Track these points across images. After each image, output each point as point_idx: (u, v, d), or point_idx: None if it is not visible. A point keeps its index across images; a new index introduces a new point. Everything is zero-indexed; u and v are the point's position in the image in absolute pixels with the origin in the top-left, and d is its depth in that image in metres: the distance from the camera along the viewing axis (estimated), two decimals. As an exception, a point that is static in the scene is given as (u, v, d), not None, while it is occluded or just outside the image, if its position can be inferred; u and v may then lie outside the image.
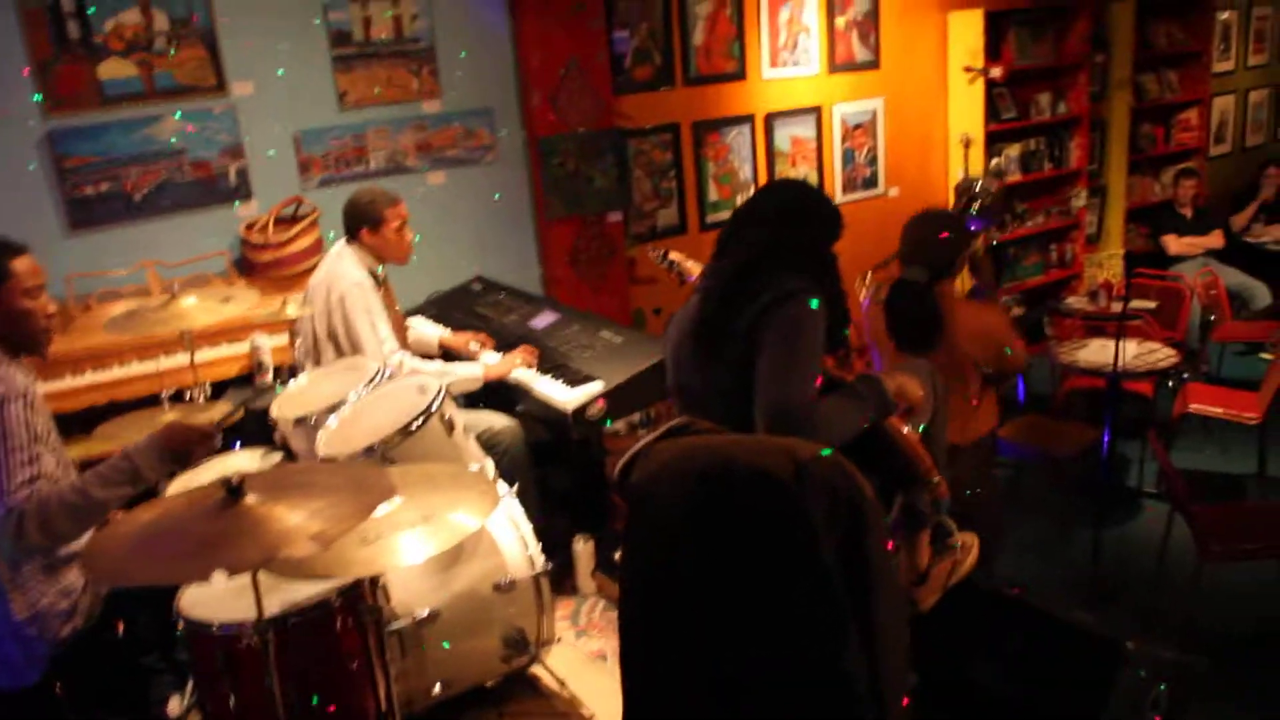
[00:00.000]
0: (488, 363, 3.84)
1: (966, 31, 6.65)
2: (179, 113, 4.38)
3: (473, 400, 4.02)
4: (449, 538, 2.10)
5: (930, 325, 3.54)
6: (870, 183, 6.64)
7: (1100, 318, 6.01)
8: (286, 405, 3.01)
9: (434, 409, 2.65)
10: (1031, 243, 7.36)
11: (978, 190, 3.94)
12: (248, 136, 4.56)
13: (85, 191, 4.28)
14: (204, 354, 3.99)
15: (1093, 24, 7.17)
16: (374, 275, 3.71)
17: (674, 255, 2.96)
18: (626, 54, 5.49)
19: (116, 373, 3.83)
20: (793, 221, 2.36)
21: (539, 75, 5.12)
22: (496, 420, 3.65)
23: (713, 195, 5.97)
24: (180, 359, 3.87)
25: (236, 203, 4.57)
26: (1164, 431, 5.79)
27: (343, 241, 3.75)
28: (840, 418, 2.18)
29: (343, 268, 3.62)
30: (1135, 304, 6.45)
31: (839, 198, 6.46)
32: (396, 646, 2.75)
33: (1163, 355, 5.18)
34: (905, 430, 2.30)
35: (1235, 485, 5.50)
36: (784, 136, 6.16)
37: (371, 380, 2.97)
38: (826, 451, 1.91)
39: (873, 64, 6.46)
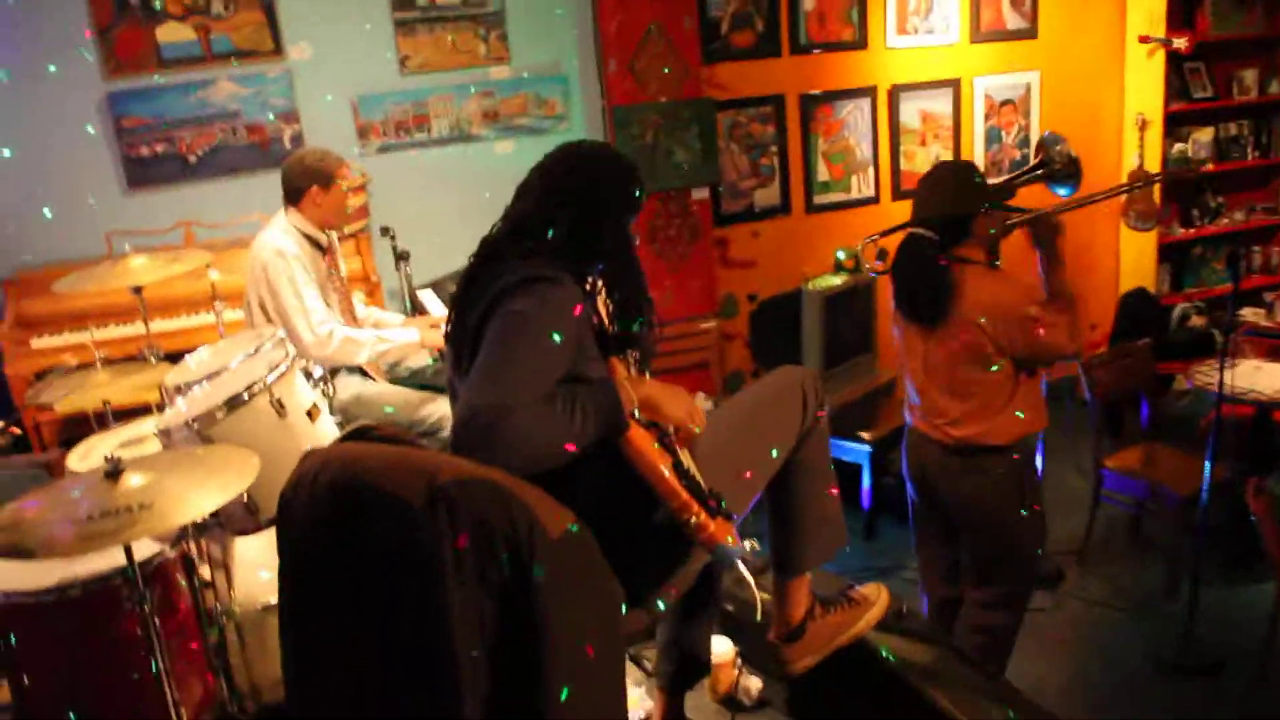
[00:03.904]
0: (424, 330, 3.60)
1: (1150, -5, 5.75)
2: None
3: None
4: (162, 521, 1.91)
5: (934, 294, 2.94)
6: (1020, 167, 5.90)
7: (1273, 334, 5.09)
8: (176, 374, 2.90)
9: (257, 389, 2.46)
10: (1223, 243, 6.34)
11: (1053, 153, 3.30)
12: (303, 100, 4.55)
13: (141, 152, 4.41)
14: (188, 320, 4.07)
15: (1319, -13, 6.05)
16: (313, 241, 3.50)
17: None
18: (723, 18, 5.10)
19: (83, 336, 3.98)
20: (560, 192, 1.94)
21: (617, 40, 4.84)
22: (441, 406, 3.41)
23: (823, 174, 5.48)
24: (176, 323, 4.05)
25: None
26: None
27: (282, 209, 3.56)
28: (542, 431, 1.72)
29: (267, 236, 3.41)
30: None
31: (978, 182, 5.78)
32: (235, 636, 2.62)
33: (1327, 383, 4.29)
34: (656, 451, 1.86)
35: None
36: (912, 111, 5.57)
37: (257, 349, 2.81)
38: (483, 474, 1.58)
39: (1028, 32, 5.72)
